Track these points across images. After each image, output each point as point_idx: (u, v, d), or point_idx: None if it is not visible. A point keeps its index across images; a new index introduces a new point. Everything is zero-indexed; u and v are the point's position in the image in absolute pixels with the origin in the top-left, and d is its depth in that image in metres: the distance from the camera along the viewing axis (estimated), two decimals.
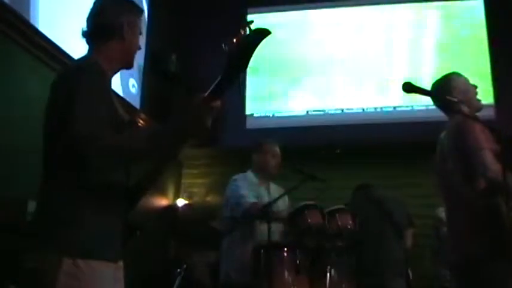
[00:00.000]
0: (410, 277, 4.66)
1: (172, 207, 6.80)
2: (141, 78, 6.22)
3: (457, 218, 2.86)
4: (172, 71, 5.87)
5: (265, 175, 4.15)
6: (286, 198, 4.16)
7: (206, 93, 1.75)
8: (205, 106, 1.74)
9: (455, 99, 2.90)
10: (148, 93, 6.32)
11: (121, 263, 1.99)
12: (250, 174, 4.17)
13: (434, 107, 3.08)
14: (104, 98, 1.85)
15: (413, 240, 4.84)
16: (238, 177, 4.13)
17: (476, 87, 3.13)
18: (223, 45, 1.69)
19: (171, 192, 6.89)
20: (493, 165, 2.62)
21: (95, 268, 1.79)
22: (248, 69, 1.72)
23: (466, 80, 3.14)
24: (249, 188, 4.00)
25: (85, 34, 2.06)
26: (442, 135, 3.03)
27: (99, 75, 1.89)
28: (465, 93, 3.04)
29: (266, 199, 3.93)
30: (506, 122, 5.85)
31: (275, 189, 4.13)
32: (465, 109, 2.96)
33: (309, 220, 3.74)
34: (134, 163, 1.89)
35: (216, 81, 1.74)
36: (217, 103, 1.76)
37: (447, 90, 3.03)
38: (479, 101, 3.10)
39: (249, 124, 6.43)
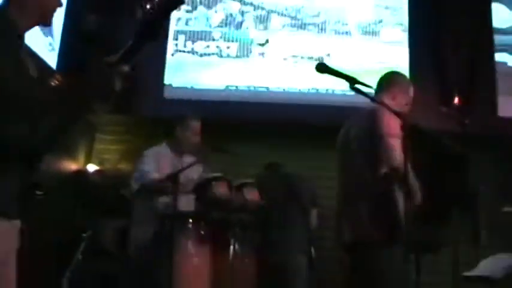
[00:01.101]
0: (313, 256, 4.83)
1: (82, 173, 6.73)
2: (58, 37, 6.10)
3: (354, 201, 2.97)
4: (90, 31, 5.81)
5: (181, 150, 4.22)
6: (200, 169, 4.25)
7: (116, 57, 1.77)
8: (113, 70, 1.76)
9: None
10: (65, 53, 6.21)
11: (17, 223, 1.95)
12: (165, 148, 4.23)
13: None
14: (7, 51, 1.82)
15: (319, 221, 5.00)
16: (149, 152, 4.21)
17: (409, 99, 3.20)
18: (137, 9, 1.69)
19: (81, 157, 6.82)
20: (399, 155, 2.71)
21: None
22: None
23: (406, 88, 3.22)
24: (161, 162, 4.07)
25: None
26: (350, 118, 3.17)
27: (6, 27, 1.86)
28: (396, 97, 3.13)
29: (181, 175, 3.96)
30: (421, 112, 6.06)
31: (189, 161, 4.15)
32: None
33: (216, 192, 3.86)
34: (37, 118, 1.83)
35: (127, 46, 1.75)
36: (126, 68, 1.79)
37: (386, 86, 3.15)
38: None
39: (168, 94, 6.45)
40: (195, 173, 4.13)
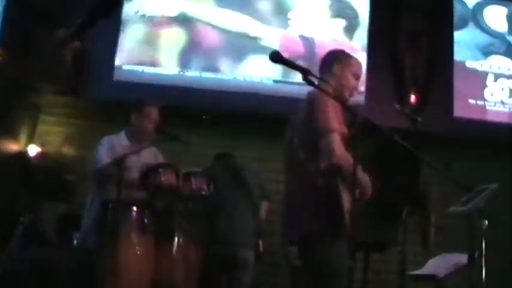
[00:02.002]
0: (261, 249, 4.82)
1: (23, 154, 6.58)
2: (2, 10, 5.93)
3: (297, 194, 2.97)
4: (38, 2, 5.65)
5: (138, 138, 4.19)
6: (160, 157, 4.25)
7: (67, 32, 1.77)
8: (64, 46, 1.76)
9: (319, 78, 2.91)
10: (8, 26, 6.03)
11: None
12: (122, 135, 4.20)
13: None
14: None
15: (268, 215, 4.98)
16: (105, 140, 4.17)
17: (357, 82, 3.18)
18: None
19: (23, 138, 6.66)
20: (339, 150, 2.75)
21: None
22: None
23: (356, 68, 3.18)
24: (117, 150, 4.02)
25: None
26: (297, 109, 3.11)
27: None
28: (341, 78, 3.10)
29: (133, 163, 3.95)
30: (376, 109, 6.14)
31: (146, 152, 4.15)
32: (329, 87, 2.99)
33: (162, 179, 3.83)
34: None
35: (79, 22, 1.75)
36: (77, 44, 1.79)
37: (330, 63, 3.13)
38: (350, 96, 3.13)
39: (117, 76, 6.35)
40: (151, 159, 4.12)
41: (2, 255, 4.48)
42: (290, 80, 6.33)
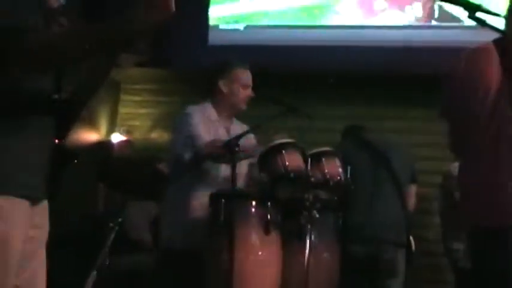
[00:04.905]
0: (413, 248, 4.67)
1: (105, 144, 6.78)
2: None
3: None
4: None
5: (228, 110, 4.19)
6: (252, 138, 4.23)
7: None
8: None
9: None
10: None
11: (44, 205, 2.02)
12: (208, 107, 4.19)
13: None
14: None
15: (417, 203, 4.96)
16: (191, 109, 4.14)
17: None
18: None
19: (103, 125, 6.87)
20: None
21: None
22: None
23: None
24: (205, 125, 4.04)
25: None
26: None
27: None
28: None
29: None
30: None
31: (238, 130, 4.12)
32: None
33: (286, 163, 3.76)
34: (68, 64, 1.90)
35: None
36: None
37: None
38: None
39: (213, 39, 6.39)
40: (247, 140, 4.10)
41: (93, 266, 4.61)
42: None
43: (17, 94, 1.85)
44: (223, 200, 3.72)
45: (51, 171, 1.99)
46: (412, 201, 4.87)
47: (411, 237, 4.66)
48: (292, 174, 3.76)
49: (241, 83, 4.14)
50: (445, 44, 5.91)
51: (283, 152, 3.79)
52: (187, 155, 3.91)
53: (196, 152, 3.88)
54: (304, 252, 3.76)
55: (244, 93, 4.13)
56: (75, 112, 2.02)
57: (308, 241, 3.78)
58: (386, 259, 4.49)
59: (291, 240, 3.82)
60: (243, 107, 4.16)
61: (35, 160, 1.93)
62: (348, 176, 4.08)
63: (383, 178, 4.60)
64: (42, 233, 2.04)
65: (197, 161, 3.95)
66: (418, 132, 5.63)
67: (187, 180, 4.02)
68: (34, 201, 1.94)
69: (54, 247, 4.76)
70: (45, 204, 2.02)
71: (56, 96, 1.95)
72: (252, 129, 4.07)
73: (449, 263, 5.22)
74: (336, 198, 4.06)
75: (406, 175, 4.76)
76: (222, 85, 4.13)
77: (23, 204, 1.89)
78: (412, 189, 4.87)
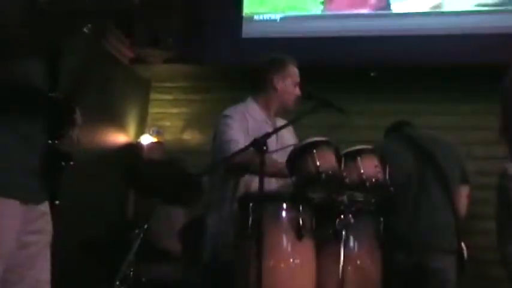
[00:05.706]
0: (465, 255, 4.59)
1: (134, 147, 6.82)
2: None
3: None
4: None
5: (277, 108, 4.27)
6: (294, 134, 4.29)
7: None
8: None
9: None
10: None
11: (44, 209, 2.04)
12: (252, 105, 4.24)
13: None
14: None
15: (469, 205, 4.85)
16: (232, 111, 4.19)
17: None
18: None
19: (132, 126, 6.90)
20: None
21: None
22: None
23: None
24: (249, 127, 4.07)
25: None
26: None
27: None
28: None
29: (273, 144, 3.95)
30: None
31: (283, 130, 4.14)
32: None
33: (318, 163, 3.71)
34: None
35: None
36: None
37: None
38: None
39: (247, 31, 6.37)
40: (290, 138, 4.15)
41: (117, 275, 4.62)
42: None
43: (7, 91, 1.87)
44: (251, 204, 3.68)
45: (46, 173, 2.01)
46: (463, 204, 4.76)
47: (463, 244, 4.58)
48: (323, 175, 3.70)
49: (294, 81, 4.23)
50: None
51: (314, 151, 3.74)
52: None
53: (230, 156, 3.89)
54: (340, 260, 3.69)
55: (295, 91, 4.21)
56: (70, 112, 2.05)
57: (343, 247, 3.72)
58: (434, 268, 4.39)
59: (325, 246, 3.78)
60: (292, 106, 4.24)
61: (25, 160, 1.95)
62: (389, 176, 4.00)
63: (429, 178, 4.53)
64: (44, 238, 2.05)
65: (231, 171, 4.03)
66: (466, 129, 5.54)
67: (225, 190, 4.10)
68: (27, 202, 1.95)
69: (79, 254, 4.81)
70: (45, 208, 2.05)
71: (51, 94, 2.00)
72: (288, 124, 4.08)
73: (505, 271, 5.12)
74: (374, 200, 3.97)
75: (456, 175, 4.67)
76: (276, 81, 4.19)
77: (12, 205, 1.90)
78: (463, 191, 4.76)
